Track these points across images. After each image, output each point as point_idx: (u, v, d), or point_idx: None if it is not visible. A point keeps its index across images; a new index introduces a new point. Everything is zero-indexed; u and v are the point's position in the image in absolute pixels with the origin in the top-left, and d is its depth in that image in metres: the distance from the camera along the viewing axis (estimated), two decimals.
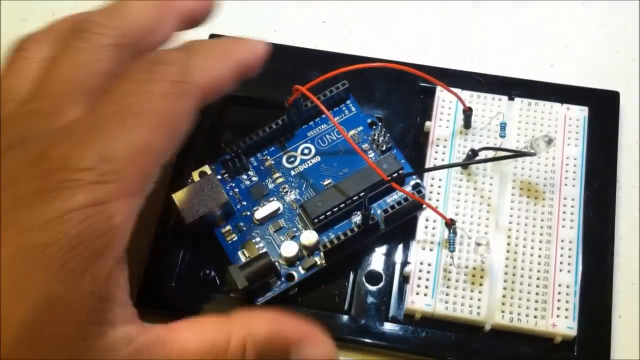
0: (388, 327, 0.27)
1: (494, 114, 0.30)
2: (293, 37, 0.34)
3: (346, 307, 0.27)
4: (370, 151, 0.29)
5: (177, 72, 0.22)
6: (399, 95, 0.31)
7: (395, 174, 0.28)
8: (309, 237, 0.27)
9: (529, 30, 0.34)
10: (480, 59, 0.33)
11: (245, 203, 0.29)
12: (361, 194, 0.27)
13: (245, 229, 0.28)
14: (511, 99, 0.30)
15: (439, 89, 0.30)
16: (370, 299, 0.27)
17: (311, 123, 0.30)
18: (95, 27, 0.23)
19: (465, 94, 0.30)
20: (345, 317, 0.27)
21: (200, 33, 0.34)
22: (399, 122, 0.31)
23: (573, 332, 0.26)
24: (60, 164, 0.19)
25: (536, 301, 0.26)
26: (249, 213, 0.28)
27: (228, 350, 0.21)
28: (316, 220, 0.27)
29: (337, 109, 0.30)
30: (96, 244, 0.19)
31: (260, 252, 0.27)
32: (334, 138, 0.29)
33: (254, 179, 0.29)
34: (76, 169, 0.19)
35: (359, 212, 0.28)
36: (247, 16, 0.35)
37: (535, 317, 0.26)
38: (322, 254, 0.27)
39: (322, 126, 0.30)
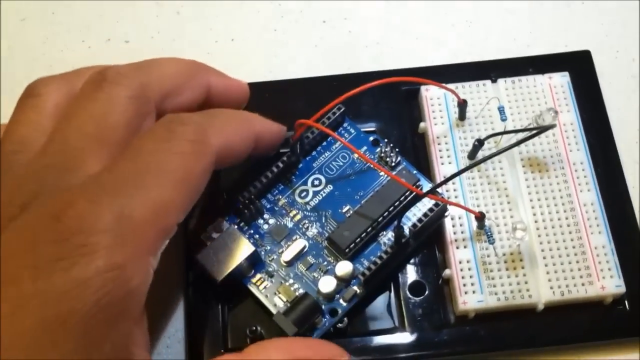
0: (447, 333, 0.27)
1: (482, 100, 0.30)
2: (293, 37, 0.34)
3: (398, 324, 0.27)
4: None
5: (196, 132, 0.22)
6: (386, 104, 0.31)
7: (420, 186, 0.28)
8: (344, 268, 0.27)
9: (529, 31, 0.34)
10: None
11: (269, 247, 0.28)
12: (385, 215, 0.27)
13: (275, 273, 0.27)
14: (494, 81, 0.31)
15: (423, 88, 0.30)
16: (419, 311, 0.27)
17: (314, 153, 0.29)
18: (115, 76, 0.23)
19: (450, 87, 0.30)
20: (402, 335, 0.27)
21: (202, 36, 0.35)
22: (393, 130, 0.31)
23: (622, 289, 0.26)
24: (77, 225, 0.19)
25: (579, 269, 0.27)
26: (275, 256, 0.28)
27: None
28: (347, 250, 0.27)
29: (336, 133, 0.30)
30: (115, 310, 0.19)
31: (299, 293, 0.27)
32: (341, 163, 0.29)
33: (271, 221, 0.28)
34: (93, 231, 0.19)
35: (384, 233, 0.28)
36: (248, 16, 0.35)
37: (582, 284, 0.26)
38: (361, 281, 0.27)
39: (326, 154, 0.29)
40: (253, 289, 0.27)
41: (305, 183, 0.29)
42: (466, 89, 0.30)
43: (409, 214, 0.28)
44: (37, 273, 0.19)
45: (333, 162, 0.29)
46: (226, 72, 0.29)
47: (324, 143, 0.29)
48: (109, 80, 0.23)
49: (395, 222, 0.26)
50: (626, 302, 0.27)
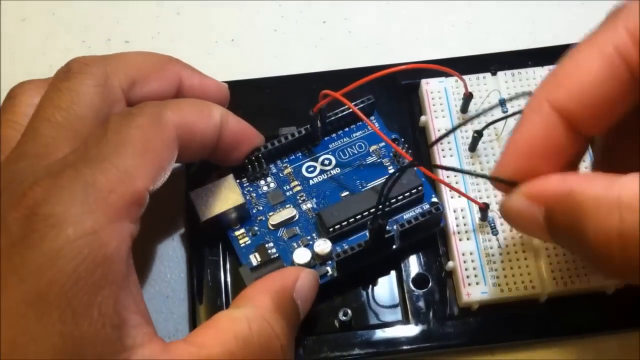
0: (451, 325, 0.26)
1: (482, 93, 0.30)
2: (293, 38, 0.34)
3: (402, 317, 0.27)
4: (391, 166, 0.29)
5: (153, 111, 0.23)
6: (387, 99, 0.31)
7: (415, 190, 0.27)
8: (323, 246, 0.26)
9: (529, 32, 0.34)
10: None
11: (261, 208, 0.28)
12: (379, 207, 0.26)
13: (259, 233, 0.28)
14: (494, 74, 0.30)
15: (424, 81, 0.30)
16: (423, 303, 0.27)
17: (334, 135, 0.29)
18: (79, 66, 0.24)
19: (450, 80, 0.30)
20: (406, 328, 0.26)
21: (202, 36, 0.35)
22: (394, 124, 0.30)
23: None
24: (42, 197, 0.19)
25: (582, 259, 0.26)
26: (264, 218, 0.28)
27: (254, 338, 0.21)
28: (331, 230, 0.27)
29: (360, 123, 0.30)
30: (95, 276, 0.19)
31: (273, 256, 0.27)
32: (355, 151, 0.29)
33: (272, 185, 0.28)
34: (59, 201, 0.19)
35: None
36: (248, 16, 0.35)
37: (585, 274, 0.26)
38: (335, 264, 0.26)
39: (345, 139, 0.29)
40: (233, 241, 0.27)
41: (316, 159, 0.29)
42: (466, 82, 0.29)
43: (405, 216, 0.27)
44: (11, 250, 0.19)
45: (349, 148, 0.29)
46: (226, 72, 0.30)
47: (347, 129, 0.30)
48: (73, 71, 0.23)
49: (380, 212, 0.25)
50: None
